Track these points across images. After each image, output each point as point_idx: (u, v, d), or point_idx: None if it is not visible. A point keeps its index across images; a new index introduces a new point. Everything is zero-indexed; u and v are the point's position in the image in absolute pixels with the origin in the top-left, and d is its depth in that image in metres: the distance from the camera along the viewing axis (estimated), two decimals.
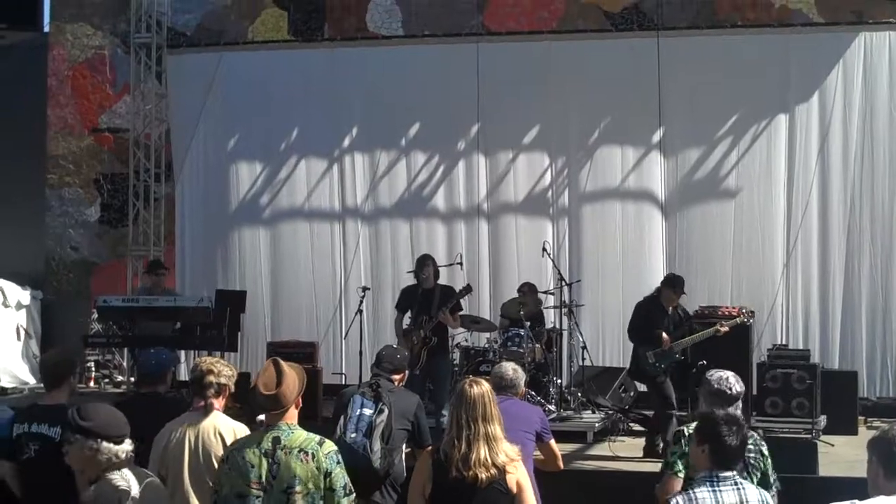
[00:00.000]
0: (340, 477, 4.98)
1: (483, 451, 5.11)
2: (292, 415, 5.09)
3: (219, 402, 5.93)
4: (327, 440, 5.11)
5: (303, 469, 4.90)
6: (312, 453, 4.93)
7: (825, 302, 13.21)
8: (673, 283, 10.80)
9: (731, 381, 5.86)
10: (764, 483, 5.65)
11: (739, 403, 5.85)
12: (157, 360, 6.75)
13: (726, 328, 10.70)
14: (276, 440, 4.96)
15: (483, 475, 5.06)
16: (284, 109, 14.69)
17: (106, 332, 13.32)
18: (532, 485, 6.32)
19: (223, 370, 5.97)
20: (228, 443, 5.76)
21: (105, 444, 4.57)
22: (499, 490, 5.11)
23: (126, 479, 4.67)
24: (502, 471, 5.11)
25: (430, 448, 5.39)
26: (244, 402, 6.14)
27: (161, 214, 15.49)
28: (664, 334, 10.47)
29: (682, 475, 5.61)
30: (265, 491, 4.91)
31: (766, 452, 5.83)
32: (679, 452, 5.65)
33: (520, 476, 5.19)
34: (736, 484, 4.77)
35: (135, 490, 4.69)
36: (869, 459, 4.24)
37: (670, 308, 10.71)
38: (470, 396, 5.20)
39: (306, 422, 5.22)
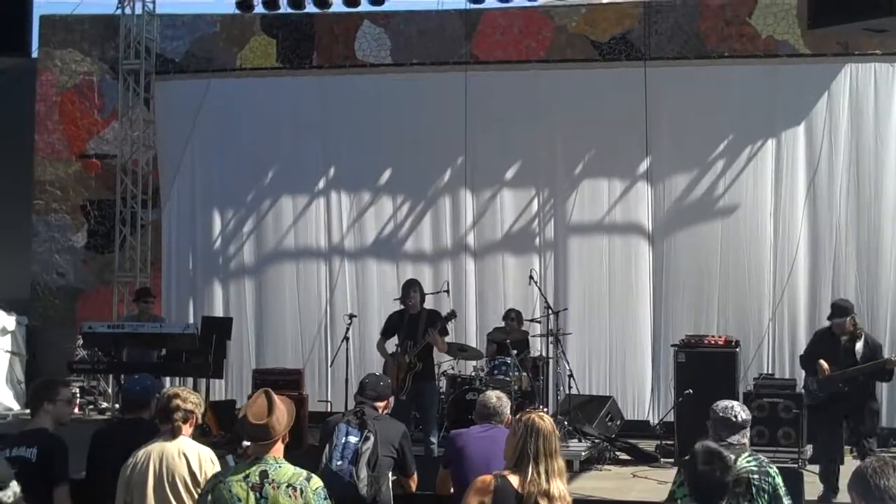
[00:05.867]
0: None
1: (562, 486, 5.08)
2: (279, 448, 5.03)
3: (186, 429, 5.94)
4: (314, 476, 5.04)
5: None
6: (301, 489, 4.87)
7: (812, 331, 13.17)
8: (835, 311, 10.27)
9: (735, 409, 5.98)
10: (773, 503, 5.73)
11: (747, 431, 5.96)
12: (142, 387, 6.73)
13: None
14: (264, 474, 4.89)
15: None
16: (272, 137, 14.73)
17: (91, 358, 13.27)
18: None
19: (189, 397, 6.00)
20: (193, 464, 5.78)
21: None
22: None
23: None
24: None
25: (490, 476, 5.24)
26: (229, 429, 6.15)
27: (148, 241, 15.47)
28: (822, 363, 10.00)
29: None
30: None
31: (773, 473, 5.84)
32: (679, 482, 5.65)
33: None
34: None
35: None
36: (850, 499, 4.27)
37: (844, 336, 10.15)
38: (545, 429, 5.15)
39: (290, 451, 5.17)
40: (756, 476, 5.75)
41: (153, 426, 6.46)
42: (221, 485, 4.96)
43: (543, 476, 5.06)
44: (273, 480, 4.87)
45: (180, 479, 5.75)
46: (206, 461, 5.86)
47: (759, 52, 13.95)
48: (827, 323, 10.42)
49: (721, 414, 5.94)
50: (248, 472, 4.93)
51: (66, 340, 14.86)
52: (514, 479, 5.12)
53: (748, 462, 5.80)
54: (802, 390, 10.87)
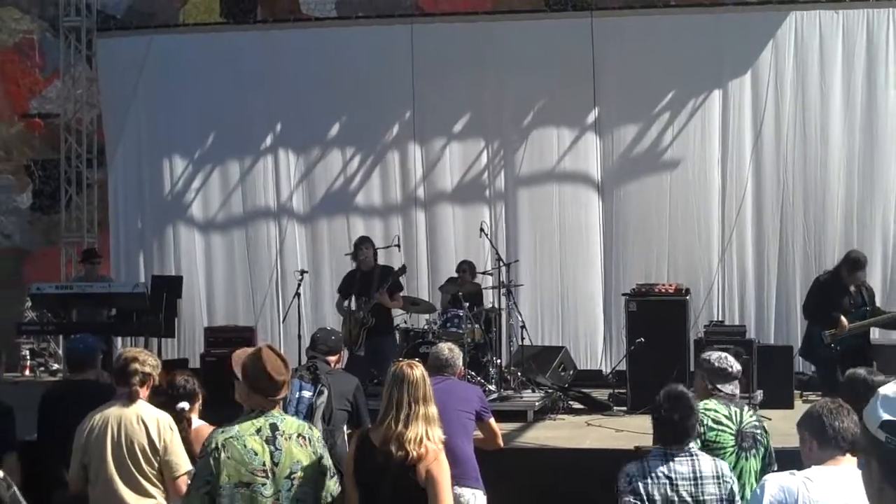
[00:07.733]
0: (329, 459, 5.08)
1: (422, 429, 5.07)
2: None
3: (143, 392, 5.93)
4: (312, 425, 5.26)
5: (304, 454, 4.93)
6: (309, 438, 4.99)
7: (760, 278, 13.37)
8: (851, 263, 10.19)
9: (729, 359, 6.04)
10: (767, 459, 5.80)
11: (738, 382, 6.02)
12: (86, 345, 6.70)
13: None
14: (274, 426, 4.93)
15: (415, 452, 5.01)
16: (217, 93, 14.52)
17: (40, 319, 13.15)
18: (470, 471, 6.34)
19: (147, 360, 5.98)
20: (152, 431, 5.78)
21: None
22: (411, 478, 5.02)
23: None
24: (426, 455, 5.03)
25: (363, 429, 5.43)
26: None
27: (94, 200, 15.29)
28: (843, 319, 9.92)
29: None
30: (269, 478, 4.86)
31: (767, 429, 5.94)
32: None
33: (433, 467, 5.06)
34: (690, 455, 4.91)
35: None
36: (801, 438, 4.33)
37: (853, 287, 10.17)
38: (412, 377, 5.18)
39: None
40: (759, 432, 5.84)
41: (100, 386, 6.43)
42: (233, 440, 4.87)
43: (402, 422, 5.07)
44: (283, 432, 4.93)
45: (139, 446, 5.75)
46: (164, 428, 5.84)
47: (706, 0, 13.96)
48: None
49: (717, 364, 5.97)
50: (258, 425, 4.93)
51: (14, 303, 14.69)
52: (375, 432, 5.19)
53: (751, 417, 5.88)
54: (802, 342, 10.74)
